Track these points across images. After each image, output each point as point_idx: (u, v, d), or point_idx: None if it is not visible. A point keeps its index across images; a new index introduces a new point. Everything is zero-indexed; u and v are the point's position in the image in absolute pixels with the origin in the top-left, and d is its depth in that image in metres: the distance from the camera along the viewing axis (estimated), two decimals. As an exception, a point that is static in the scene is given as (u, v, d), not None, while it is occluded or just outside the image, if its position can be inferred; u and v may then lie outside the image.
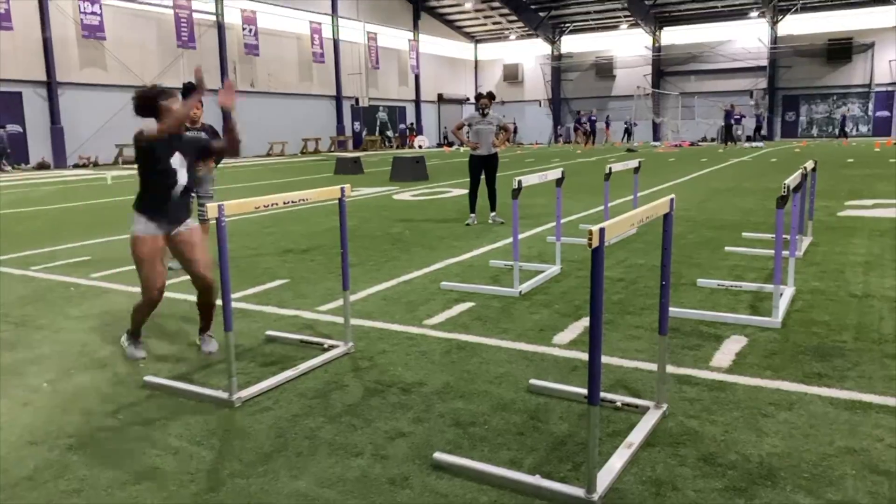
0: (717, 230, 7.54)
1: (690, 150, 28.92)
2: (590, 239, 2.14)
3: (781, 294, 4.30)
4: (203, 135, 6.33)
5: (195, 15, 27.76)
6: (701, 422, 2.83)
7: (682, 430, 2.75)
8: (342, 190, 3.63)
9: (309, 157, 29.60)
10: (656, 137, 38.98)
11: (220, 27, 29.10)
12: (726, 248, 6.40)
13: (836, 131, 35.61)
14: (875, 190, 10.97)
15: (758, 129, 34.13)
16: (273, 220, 9.18)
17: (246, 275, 5.80)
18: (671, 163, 19.92)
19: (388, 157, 19.14)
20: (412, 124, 40.12)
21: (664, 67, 40.74)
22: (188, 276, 3.91)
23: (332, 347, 3.79)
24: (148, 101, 3.61)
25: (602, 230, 2.16)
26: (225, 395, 3.13)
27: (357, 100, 35.86)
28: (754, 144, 31.16)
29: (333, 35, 34.73)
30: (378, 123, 37.81)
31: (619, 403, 2.98)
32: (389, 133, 38.37)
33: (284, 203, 3.39)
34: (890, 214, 8.28)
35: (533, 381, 3.23)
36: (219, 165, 6.59)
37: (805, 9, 36.13)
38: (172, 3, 26.89)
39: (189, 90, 6.23)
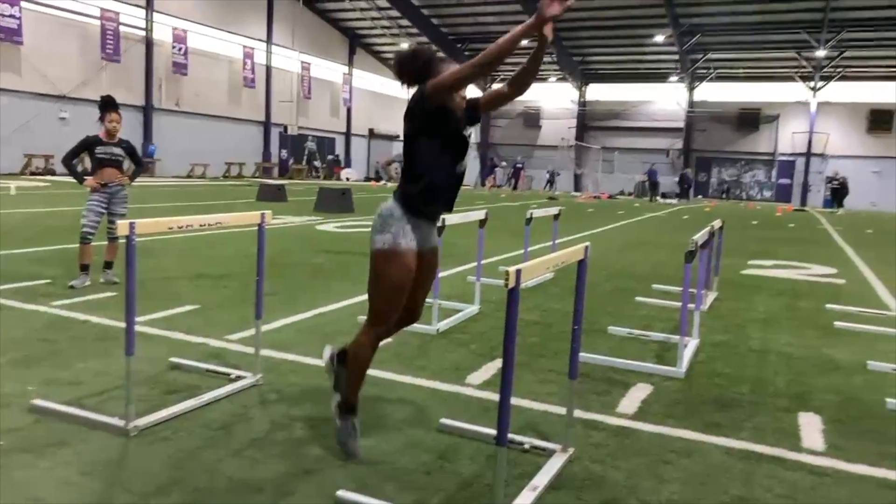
0: (629, 280, 7.82)
1: (609, 202, 30.04)
2: (506, 279, 2.17)
3: (686, 345, 4.48)
4: (119, 150, 6.11)
5: (123, 28, 26.96)
6: (605, 467, 2.88)
7: (586, 475, 2.79)
8: (262, 216, 3.55)
9: (231, 181, 28.95)
10: (577, 188, 40.31)
11: (149, 43, 28.36)
12: (637, 299, 6.63)
13: (724, 193, 38.01)
14: (775, 252, 11.68)
15: (686, 189, 35.83)
16: (187, 243, 8.87)
17: (153, 297, 5.56)
18: (590, 213, 20.61)
19: (314, 187, 18.96)
20: (337, 156, 39.94)
21: (588, 121, 42.41)
22: (85, 296, 3.71)
23: (239, 378, 3.66)
24: (423, 63, 2.88)
25: (518, 271, 2.20)
26: (121, 423, 2.96)
27: (286, 127, 35.52)
28: (668, 201, 32.70)
29: (266, 61, 34.45)
30: (306, 152, 37.47)
31: (527, 446, 3.00)
32: (317, 163, 38.08)
33: (200, 225, 3.29)
34: (787, 275, 8.81)
35: (443, 421, 3.21)
36: (133, 182, 6.35)
37: (719, 78, 38.60)
38: (100, 14, 26.05)
39: (107, 105, 6.02)
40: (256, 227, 3.57)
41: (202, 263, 7.49)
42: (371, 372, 3.95)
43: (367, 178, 40.15)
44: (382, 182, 35.36)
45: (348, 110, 40.79)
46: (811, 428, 3.43)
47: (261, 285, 3.66)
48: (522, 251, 7.65)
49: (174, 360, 3.94)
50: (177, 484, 2.54)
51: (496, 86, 3.03)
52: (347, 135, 41.23)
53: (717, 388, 4.01)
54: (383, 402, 3.51)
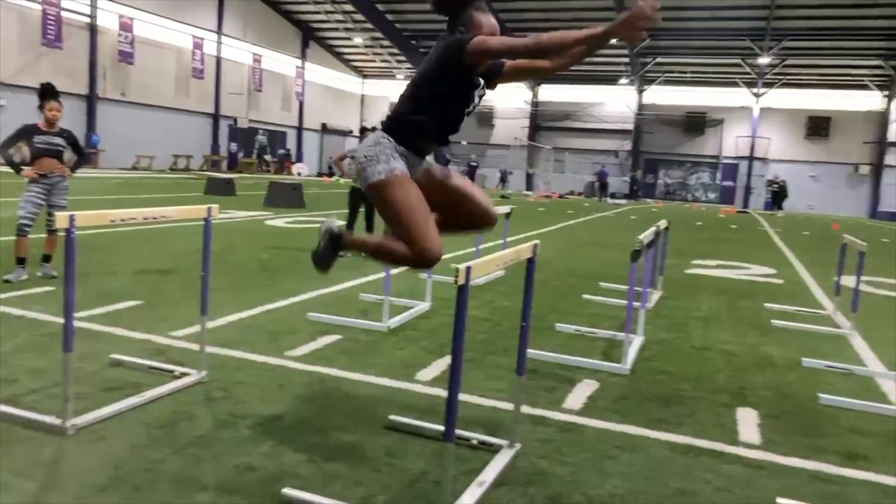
0: (578, 279, 7.94)
1: (559, 201, 30.44)
2: (456, 277, 2.19)
3: (631, 343, 4.58)
4: (59, 140, 5.90)
5: (65, 14, 25.99)
6: (551, 462, 2.92)
7: (532, 470, 2.83)
8: (209, 210, 3.48)
9: (179, 174, 28.26)
10: (529, 187, 40.72)
11: (93, 30, 27.42)
12: (585, 296, 6.75)
13: (668, 195, 39.09)
14: (718, 251, 12.03)
15: (635, 190, 36.87)
16: (131, 237, 8.63)
17: (94, 292, 5.39)
18: (541, 212, 20.85)
19: (264, 182, 18.65)
20: (289, 150, 39.40)
21: (540, 122, 42.84)
22: (21, 290, 3.58)
23: (183, 375, 3.59)
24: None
25: (468, 269, 2.22)
26: (58, 422, 2.87)
27: (236, 120, 34.84)
28: (617, 202, 33.33)
29: (217, 52, 33.71)
30: (256, 146, 36.85)
31: (474, 441, 3.02)
32: (267, 157, 37.49)
33: (144, 219, 3.21)
34: (729, 275, 9.09)
35: (392, 417, 3.21)
36: (75, 174, 6.14)
37: (668, 82, 39.48)
38: (41, -3, 25.08)
39: (46, 93, 5.80)
40: (203, 222, 3.50)
41: (146, 258, 7.30)
42: (319, 369, 3.93)
43: (320, 174, 39.74)
44: (335, 177, 35.04)
45: (301, 104, 40.26)
46: (748, 423, 3.55)
47: (206, 281, 3.59)
48: (474, 249, 7.69)
49: (115, 356, 3.83)
50: (115, 484, 2.47)
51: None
52: (299, 129, 40.70)
53: (660, 385, 4.11)
54: (331, 400, 3.49)
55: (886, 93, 35.52)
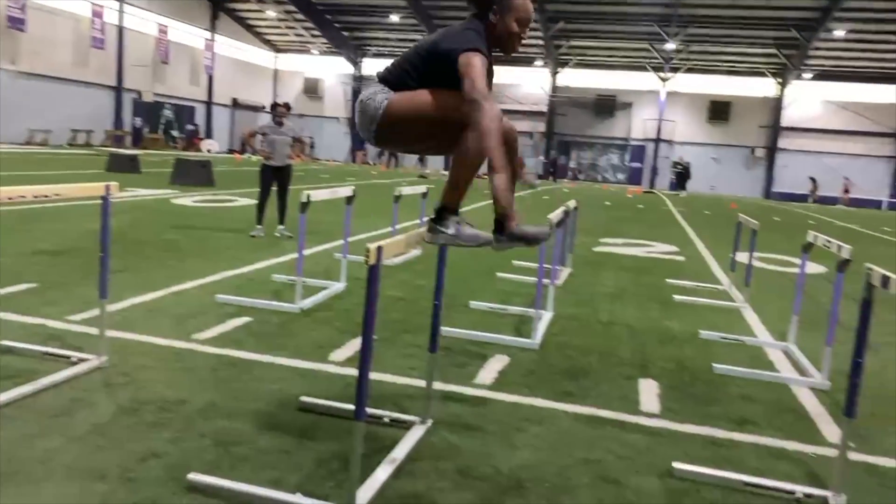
0: (492, 257, 8.05)
1: (476, 181, 30.63)
2: (367, 256, 2.18)
3: (541, 318, 4.71)
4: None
5: (-57, -28, 23.87)
6: (462, 436, 2.98)
7: (444, 445, 2.88)
8: (107, 188, 3.31)
9: (78, 150, 26.66)
10: (447, 167, 40.85)
11: (-23, -8, 25.33)
12: (499, 274, 6.87)
13: (578, 175, 40.30)
14: (625, 230, 12.49)
15: (552, 171, 37.74)
16: (23, 217, 8.11)
17: (-18, 276, 5.04)
18: (458, 191, 20.96)
19: (171, 159, 17.88)
20: (197, 126, 37.88)
21: (458, 101, 42.96)
22: None
23: (81, 361, 3.42)
24: None
25: (379, 248, 2.21)
26: (-62, 415, 2.68)
27: (140, 93, 33.14)
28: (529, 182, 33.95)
29: (118, 21, 31.84)
30: (163, 121, 35.21)
31: (386, 419, 3.04)
32: (175, 133, 35.92)
33: (35, 197, 3.02)
34: (635, 252, 9.46)
35: (304, 399, 3.18)
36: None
37: (581, 65, 40.37)
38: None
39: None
40: (101, 200, 3.32)
41: (40, 238, 6.88)
42: (228, 352, 3.84)
43: (231, 150, 38.46)
44: (247, 155, 34.00)
45: (210, 78, 38.69)
46: (649, 393, 3.73)
47: (106, 262, 3.42)
48: (391, 229, 7.67)
49: (6, 343, 3.61)
50: (8, 477, 2.34)
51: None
52: (209, 104, 39.14)
53: (568, 359, 4.25)
54: (241, 383, 3.42)
55: (780, 80, 37.65)
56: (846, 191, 34.78)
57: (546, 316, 5.07)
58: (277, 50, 44.98)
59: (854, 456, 3.01)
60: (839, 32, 31.62)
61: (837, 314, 4.09)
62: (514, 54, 2.76)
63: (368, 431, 2.90)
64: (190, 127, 37.11)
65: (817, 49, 33.91)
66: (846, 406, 2.64)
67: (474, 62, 2.39)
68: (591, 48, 38.80)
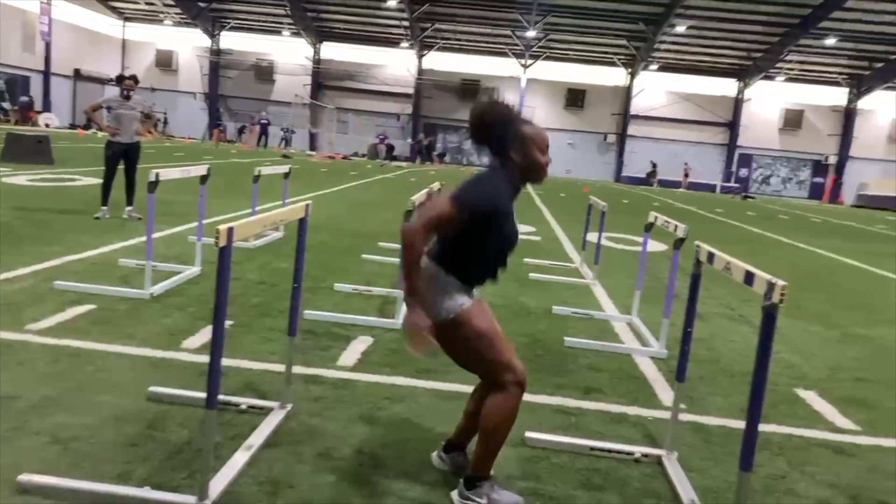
0: (358, 238, 8.03)
1: (343, 162, 30.34)
2: (217, 238, 2.10)
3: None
4: None
5: None
6: (323, 419, 2.97)
7: (304, 429, 2.85)
8: (-85, 164, 2.94)
9: None
10: (313, 147, 40.00)
11: None
12: (364, 256, 6.85)
13: (442, 157, 41.05)
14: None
15: (419, 151, 38.02)
16: None
17: None
18: (324, 173, 20.64)
19: (1, 133, 16.16)
20: (31, 98, 34.40)
21: (323, 80, 42.06)
22: None
23: None
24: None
25: (230, 230, 2.14)
26: None
27: (-39, 60, 29.61)
28: (398, 164, 34.05)
29: (-69, -25, 28.18)
30: (-10, 92, 31.72)
31: (243, 406, 2.96)
32: (6, 105, 32.47)
33: None
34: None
35: (153, 389, 3.02)
36: None
37: (446, 48, 40.82)
38: None
39: None
40: None
41: None
42: (69, 342, 3.57)
43: (73, 126, 35.38)
44: (92, 130, 31.43)
45: (47, 45, 35.21)
46: (506, 367, 3.88)
47: (-84, 247, 3.05)
48: (249, 210, 7.41)
49: None
50: None
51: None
52: (46, 74, 35.66)
53: (430, 338, 4.33)
54: (84, 375, 3.19)
55: (630, 70, 40.12)
56: (686, 175, 37.77)
57: (409, 296, 5.12)
58: (125, 18, 41.77)
59: (685, 416, 3.32)
60: (681, 28, 34.15)
61: (674, 288, 4.46)
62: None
63: (224, 419, 2.82)
64: (24, 99, 33.65)
65: (662, 42, 36.43)
66: (677, 372, 2.90)
67: (434, 204, 2.32)
68: (455, 32, 39.31)
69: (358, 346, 4.00)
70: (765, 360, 2.10)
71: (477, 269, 2.43)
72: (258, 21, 40.49)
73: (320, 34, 41.40)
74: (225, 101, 42.15)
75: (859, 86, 38.77)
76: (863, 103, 39.50)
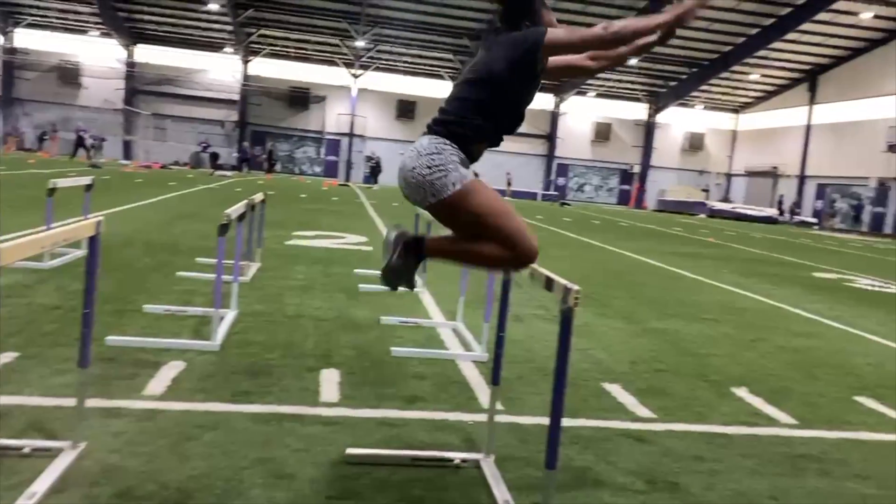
0: (174, 254, 7.53)
1: (161, 172, 28.48)
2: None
3: (222, 318, 4.52)
4: None
5: None
6: (123, 455, 2.71)
7: (100, 468, 2.59)
8: None
9: None
10: (127, 156, 37.16)
11: None
12: (179, 273, 6.43)
13: (271, 167, 40.17)
14: (318, 223, 12.66)
15: (244, 160, 36.52)
16: None
17: None
18: (138, 183, 19.23)
19: None
20: None
21: (138, 85, 39.28)
22: None
23: None
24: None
25: (-6, 253, 1.89)
26: None
27: None
28: (223, 173, 32.56)
29: None
30: None
31: (26, 449, 2.63)
32: None
33: None
34: (327, 244, 9.63)
35: None
36: None
37: (273, 55, 39.80)
38: None
39: None
40: None
41: None
42: None
43: None
44: None
45: None
46: (330, 383, 3.81)
47: None
48: (45, 227, 6.68)
49: None
50: None
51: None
52: None
53: (249, 357, 4.14)
54: None
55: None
56: (509, 184, 39.75)
57: (230, 315, 4.88)
58: None
59: (504, 418, 3.44)
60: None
61: (492, 293, 4.62)
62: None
63: (3, 467, 2.49)
64: None
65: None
66: (492, 375, 2.99)
67: (559, 32, 2.50)
68: (282, 39, 38.49)
69: (168, 373, 3.72)
70: (564, 361, 2.22)
71: (501, 124, 2.63)
72: (60, 19, 36.95)
73: (133, 36, 38.66)
74: (22, 106, 37.98)
75: (657, 102, 43.19)
76: (660, 118, 44.07)
